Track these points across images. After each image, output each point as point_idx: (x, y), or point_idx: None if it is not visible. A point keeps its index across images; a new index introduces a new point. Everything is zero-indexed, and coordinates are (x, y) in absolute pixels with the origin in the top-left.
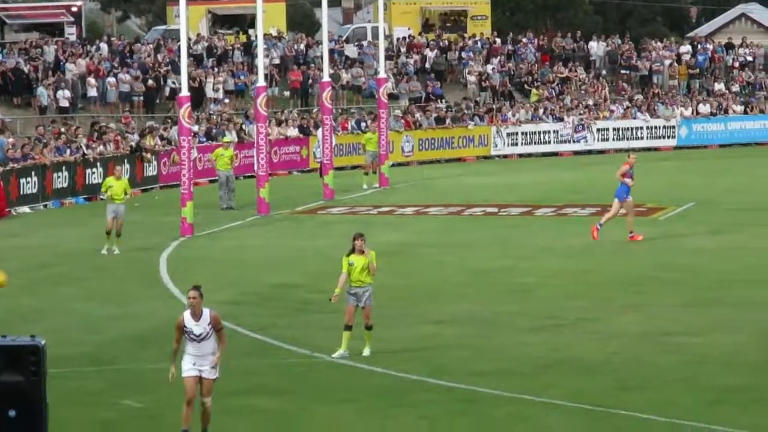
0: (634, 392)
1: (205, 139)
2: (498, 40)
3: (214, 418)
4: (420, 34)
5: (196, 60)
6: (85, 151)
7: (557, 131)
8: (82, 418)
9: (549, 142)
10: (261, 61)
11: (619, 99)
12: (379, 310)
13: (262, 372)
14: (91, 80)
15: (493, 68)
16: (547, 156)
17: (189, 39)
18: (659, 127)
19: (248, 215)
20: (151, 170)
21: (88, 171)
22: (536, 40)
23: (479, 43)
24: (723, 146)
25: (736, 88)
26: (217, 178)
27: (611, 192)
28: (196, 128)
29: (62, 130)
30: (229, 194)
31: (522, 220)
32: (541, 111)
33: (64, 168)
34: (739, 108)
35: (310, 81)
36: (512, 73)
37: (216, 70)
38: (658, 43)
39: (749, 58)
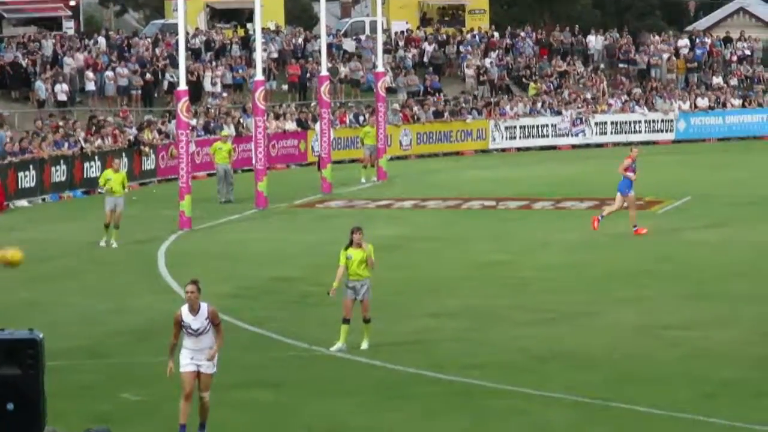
0: (632, 385)
1: (203, 133)
2: (496, 34)
3: (212, 411)
4: (418, 28)
5: (194, 54)
6: (83, 145)
7: (555, 125)
8: (79, 410)
9: (547, 136)
10: (259, 55)
11: (617, 93)
12: (377, 303)
13: (261, 365)
14: (89, 74)
15: (491, 62)
16: (545, 150)
17: (187, 33)
18: (657, 121)
19: (246, 209)
20: (149, 164)
21: (87, 165)
22: (534, 33)
23: (477, 37)
24: (721, 140)
25: (734, 81)
26: (215, 171)
27: (610, 186)
28: (194, 122)
29: (60, 123)
30: (228, 188)
31: (520, 214)
32: (539, 105)
33: (62, 162)
34: (738, 102)
35: (308, 75)
36: (510, 66)
37: (214, 64)
38: (656, 37)
39: (747, 52)
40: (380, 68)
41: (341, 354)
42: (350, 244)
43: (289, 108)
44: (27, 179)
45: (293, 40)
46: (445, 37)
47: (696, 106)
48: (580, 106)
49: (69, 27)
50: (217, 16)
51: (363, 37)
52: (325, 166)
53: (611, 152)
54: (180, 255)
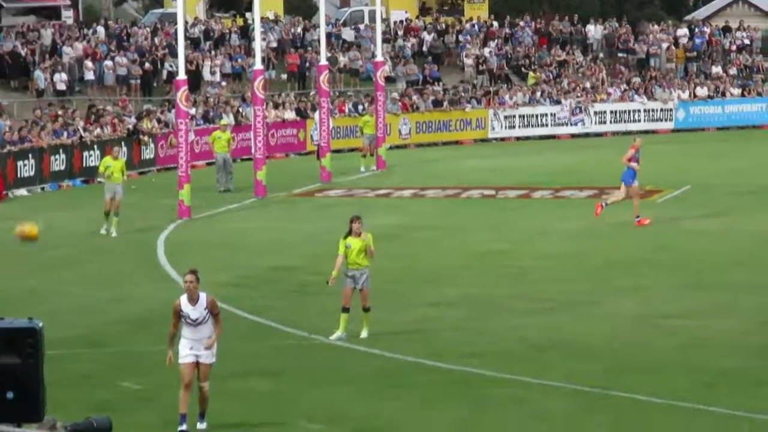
0: (631, 374)
1: (202, 122)
2: (495, 24)
3: (211, 400)
4: (417, 17)
5: (193, 43)
6: (83, 134)
7: (555, 114)
8: (79, 399)
9: (546, 125)
10: (258, 45)
11: (616, 82)
12: (376, 292)
13: (260, 354)
14: (88, 63)
15: (491, 51)
16: (544, 139)
17: (186, 22)
18: (657, 110)
19: (245, 198)
20: (148, 153)
21: (86, 154)
22: (533, 23)
23: (476, 26)
24: (720, 129)
25: (733, 71)
26: (214, 160)
27: (609, 175)
28: (193, 111)
29: (59, 113)
30: (227, 177)
31: (519, 203)
32: (538, 94)
33: (61, 151)
34: (737, 91)
35: (308, 64)
36: (509, 56)
37: (213, 53)
38: (656, 27)
39: (746, 42)
40: (379, 57)
41: (340, 343)
42: (349, 233)
43: (288, 97)
44: (26, 168)
45: (292, 30)
46: (444, 26)
47: (695, 96)
48: (579, 95)
49: (68, 16)
50: (216, 5)
51: (362, 27)
52: (324, 155)
53: (611, 141)
54: (179, 244)
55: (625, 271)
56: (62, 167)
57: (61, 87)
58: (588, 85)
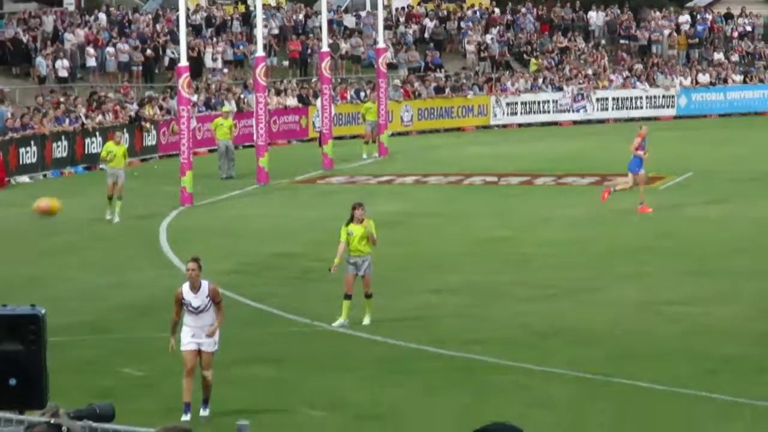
0: (633, 361)
1: (204, 109)
2: (497, 10)
3: (214, 387)
4: (419, 3)
5: (195, 30)
6: (84, 121)
7: (557, 101)
8: (81, 386)
9: (548, 112)
10: (260, 31)
11: (618, 69)
12: (378, 279)
13: (262, 341)
14: (90, 50)
15: (492, 38)
16: (546, 125)
17: (188, 9)
18: (659, 97)
19: (248, 185)
20: (150, 140)
21: (88, 140)
22: (535, 9)
23: (478, 12)
24: (722, 116)
25: (735, 57)
26: (216, 147)
27: (611, 161)
28: (195, 98)
29: (61, 100)
30: (229, 164)
31: (521, 190)
32: (540, 81)
33: (63, 138)
34: (739, 78)
35: (309, 51)
36: (511, 42)
37: (215, 40)
38: (657, 13)
39: (748, 28)
40: (381, 44)
41: (343, 329)
42: (351, 219)
43: (290, 84)
44: (28, 155)
45: (294, 16)
46: (445, 13)
47: (697, 82)
48: (581, 82)
49: (69, 3)
50: None
51: (363, 13)
52: (326, 142)
53: (612, 128)
54: (181, 231)
55: (627, 258)
56: (64, 154)
57: (63, 74)
58: (590, 71)
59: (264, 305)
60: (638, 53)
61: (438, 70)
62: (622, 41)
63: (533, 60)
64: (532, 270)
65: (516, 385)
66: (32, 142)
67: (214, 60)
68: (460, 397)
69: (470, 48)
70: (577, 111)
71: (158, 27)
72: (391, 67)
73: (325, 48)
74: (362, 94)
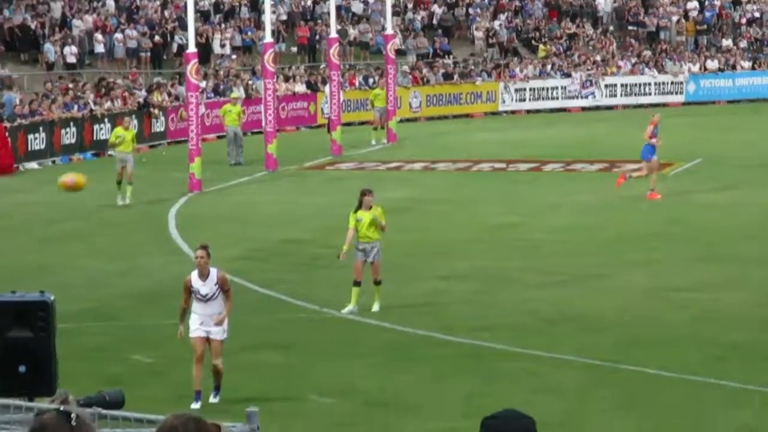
0: (642, 348)
1: (212, 95)
2: None
3: (224, 374)
4: None
5: (203, 16)
6: (93, 108)
7: (565, 87)
8: (90, 373)
9: (557, 98)
10: (268, 17)
11: (626, 55)
12: (387, 265)
13: (271, 328)
14: (98, 36)
15: (501, 24)
16: (555, 112)
17: None
18: (667, 83)
19: (256, 171)
20: (158, 126)
21: (96, 127)
22: None
23: None
24: (731, 102)
25: (743, 44)
26: (225, 134)
27: (620, 148)
28: (203, 84)
29: (70, 86)
30: (237, 150)
31: (530, 176)
32: (548, 67)
33: (71, 124)
34: (747, 64)
35: (318, 37)
36: (519, 29)
37: (223, 26)
38: None
39: (757, 14)
40: (389, 30)
41: (352, 316)
42: (359, 206)
43: (299, 70)
44: (37, 141)
45: (302, 2)
46: None
47: (706, 69)
48: (589, 68)
49: None
50: None
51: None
52: (334, 128)
53: (621, 114)
54: (190, 217)
55: (635, 245)
56: (73, 140)
57: (71, 60)
58: (598, 58)
59: (272, 292)
60: (647, 39)
61: (446, 56)
62: (630, 27)
63: (542, 46)
64: (541, 256)
65: (524, 372)
66: (41, 129)
67: (223, 46)
68: (468, 383)
69: (478, 34)
70: (586, 97)
71: (166, 13)
72: (400, 53)
73: (333, 34)
74: (371, 80)
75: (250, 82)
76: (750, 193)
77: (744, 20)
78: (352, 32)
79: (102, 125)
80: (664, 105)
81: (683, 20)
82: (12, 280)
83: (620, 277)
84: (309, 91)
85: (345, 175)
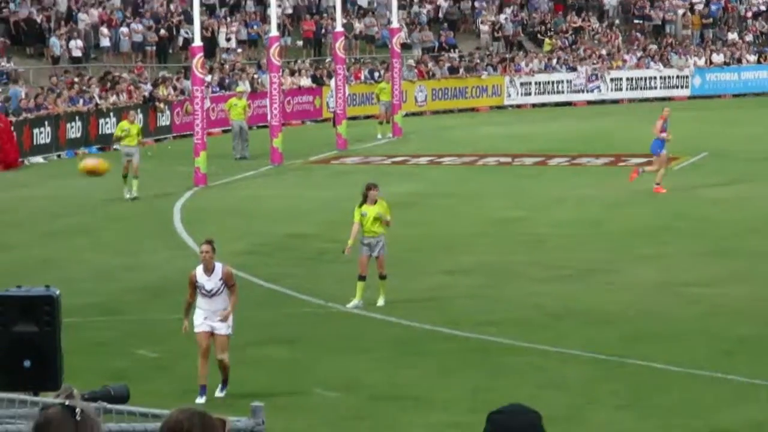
0: (649, 342)
1: (218, 89)
2: None
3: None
4: None
5: (209, 9)
6: (98, 101)
7: (571, 81)
8: (95, 367)
9: (562, 92)
10: (274, 11)
11: (632, 49)
12: (392, 260)
13: (276, 322)
14: (104, 30)
15: (506, 18)
16: (560, 106)
17: None
18: (673, 77)
19: (261, 165)
20: (164, 120)
21: (102, 121)
22: None
23: None
24: (737, 96)
25: (749, 37)
26: (230, 128)
27: (626, 142)
28: (208, 78)
29: (75, 80)
30: (243, 144)
31: (536, 170)
32: (554, 61)
33: (77, 118)
34: (753, 57)
35: (323, 31)
36: (525, 22)
37: (229, 19)
38: None
39: (762, 8)
40: (395, 24)
41: (357, 311)
42: (364, 200)
43: (304, 64)
44: (42, 135)
45: None
46: None
47: (711, 62)
48: (595, 62)
49: None
50: None
51: None
52: (340, 122)
53: (627, 108)
54: (195, 211)
55: (642, 239)
56: (78, 134)
57: (77, 54)
58: (604, 51)
59: (278, 286)
60: (652, 33)
61: (452, 50)
62: (636, 21)
63: (547, 40)
64: (546, 251)
65: (531, 366)
66: (46, 123)
67: (228, 40)
68: (474, 378)
69: (484, 28)
70: (591, 91)
71: (172, 7)
72: (405, 47)
73: (339, 28)
74: (376, 74)
75: (255, 76)
76: (756, 186)
77: (750, 14)
78: (358, 26)
79: (107, 119)
80: (669, 99)
81: (689, 14)
82: (17, 275)
83: (626, 271)
84: (314, 85)
85: (350, 169)
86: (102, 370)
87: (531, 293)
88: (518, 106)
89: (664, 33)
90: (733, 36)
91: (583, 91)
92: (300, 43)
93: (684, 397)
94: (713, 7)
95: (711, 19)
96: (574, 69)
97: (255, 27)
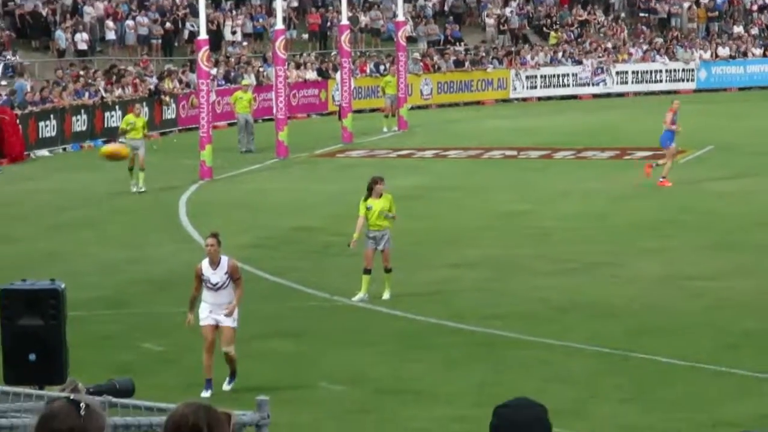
0: (653, 336)
1: (223, 83)
2: None
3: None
4: None
5: (215, 2)
6: (104, 95)
7: (576, 74)
8: (100, 361)
9: (568, 85)
10: (279, 4)
11: (638, 42)
12: (397, 253)
13: (281, 316)
14: (110, 23)
15: (512, 11)
16: (566, 99)
17: None
18: (678, 70)
19: (267, 159)
20: (169, 113)
21: (107, 114)
22: None
23: None
24: (742, 89)
25: (755, 30)
26: (235, 121)
27: (632, 135)
28: (214, 71)
29: (81, 73)
30: (248, 137)
31: (541, 164)
32: (560, 54)
33: (82, 111)
34: (759, 51)
35: (329, 24)
36: (531, 15)
37: (234, 12)
38: None
39: None
40: (400, 17)
41: (362, 304)
42: (369, 194)
43: (310, 57)
44: (48, 129)
45: None
46: None
47: (717, 56)
48: (600, 55)
49: None
50: None
51: None
52: (345, 115)
53: (632, 102)
54: (201, 204)
55: (647, 232)
56: (84, 128)
57: (83, 47)
58: (609, 45)
59: (283, 279)
60: (658, 26)
61: (457, 43)
62: (641, 14)
63: (553, 33)
64: (552, 244)
65: (536, 360)
66: (51, 116)
67: (234, 33)
68: (480, 371)
69: (490, 21)
70: (597, 84)
71: (177, 0)
72: (411, 40)
73: (344, 21)
74: (382, 67)
75: (261, 69)
76: (762, 180)
77: (755, 7)
78: (364, 19)
79: (113, 112)
80: (675, 92)
81: (694, 7)
82: (22, 268)
83: (631, 265)
84: (320, 79)
85: (356, 163)
86: (107, 363)
87: (536, 287)
88: (524, 100)
89: (670, 26)
90: (738, 29)
91: (588, 85)
92: (305, 36)
93: (688, 390)
94: (719, 1)
95: (717, 13)
96: (579, 62)
97: (260, 20)
